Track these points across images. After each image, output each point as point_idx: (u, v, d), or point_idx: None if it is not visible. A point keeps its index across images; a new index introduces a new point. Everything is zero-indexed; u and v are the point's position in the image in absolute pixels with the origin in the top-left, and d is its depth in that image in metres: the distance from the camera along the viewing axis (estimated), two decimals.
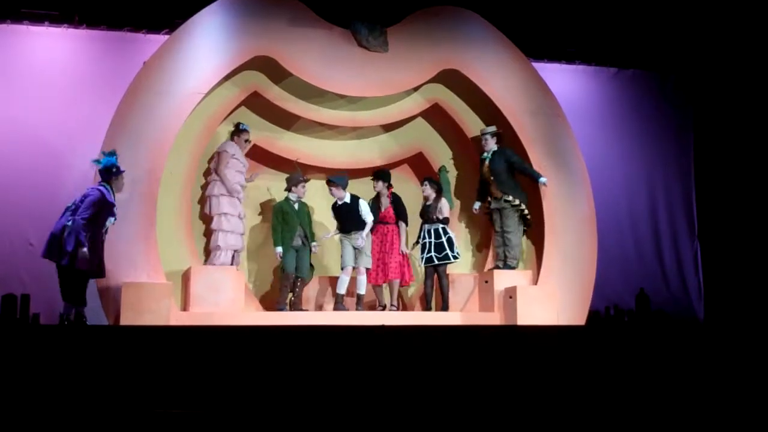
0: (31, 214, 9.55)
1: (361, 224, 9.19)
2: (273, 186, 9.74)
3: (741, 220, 11.95)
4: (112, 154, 7.97)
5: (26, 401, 5.28)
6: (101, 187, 7.81)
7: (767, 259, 11.52)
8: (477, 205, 9.79)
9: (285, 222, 9.04)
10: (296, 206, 9.17)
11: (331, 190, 9.27)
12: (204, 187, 9.17)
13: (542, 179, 9.46)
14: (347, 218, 9.22)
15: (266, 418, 5.26)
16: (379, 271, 9.38)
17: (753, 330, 8.66)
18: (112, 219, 7.91)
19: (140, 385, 5.53)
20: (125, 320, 7.92)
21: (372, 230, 9.37)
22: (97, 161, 7.96)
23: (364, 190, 9.74)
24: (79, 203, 7.73)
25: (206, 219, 9.15)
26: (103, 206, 7.73)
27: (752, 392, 6.13)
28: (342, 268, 9.23)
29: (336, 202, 9.30)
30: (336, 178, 9.27)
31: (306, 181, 9.31)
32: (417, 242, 9.62)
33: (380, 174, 9.60)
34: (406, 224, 9.64)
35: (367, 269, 9.26)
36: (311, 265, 9.26)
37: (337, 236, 9.33)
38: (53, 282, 7.88)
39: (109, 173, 7.91)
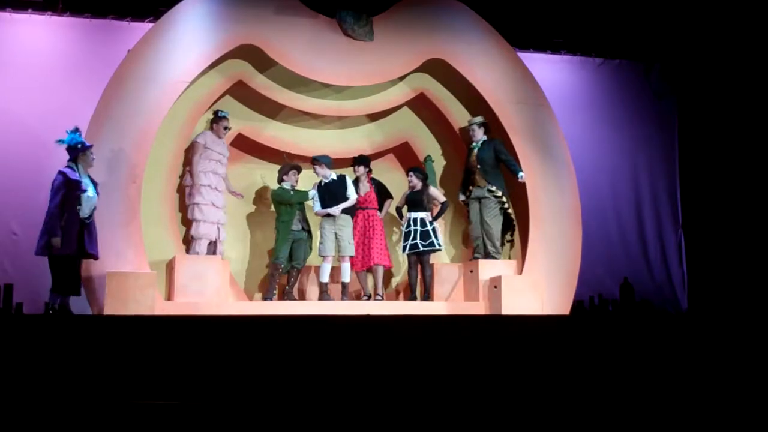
0: (15, 204, 9.50)
1: (345, 200, 9.25)
2: (266, 174, 9.71)
3: (725, 210, 11.99)
4: (76, 131, 7.92)
5: (9, 392, 5.26)
6: (65, 169, 7.77)
7: (751, 250, 11.58)
8: (462, 196, 9.79)
9: (287, 205, 9.09)
10: (291, 193, 9.18)
11: (315, 168, 9.31)
12: (182, 177, 9.13)
13: (521, 174, 9.44)
14: (334, 196, 9.22)
15: (252, 409, 5.26)
16: (362, 257, 9.38)
17: (736, 320, 8.71)
18: (93, 198, 7.86)
19: (124, 376, 5.52)
20: (109, 310, 7.90)
21: (353, 215, 9.41)
22: (61, 141, 7.90)
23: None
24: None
25: (185, 209, 9.14)
26: (68, 187, 7.68)
27: (735, 382, 6.17)
28: (322, 256, 9.23)
29: (321, 181, 9.30)
30: (321, 156, 9.32)
31: (298, 168, 9.33)
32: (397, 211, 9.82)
33: (359, 159, 9.61)
34: (392, 199, 9.83)
35: (351, 257, 9.26)
36: (310, 248, 9.32)
37: (323, 220, 9.29)
38: (37, 272, 7.87)
39: (75, 150, 7.86)
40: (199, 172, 8.85)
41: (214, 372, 5.69)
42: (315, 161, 9.29)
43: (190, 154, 8.99)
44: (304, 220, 9.26)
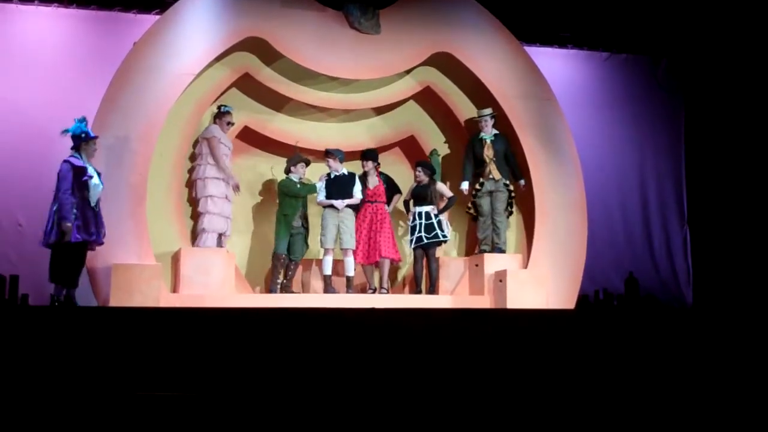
0: (20, 195, 9.54)
1: (349, 198, 9.27)
2: (276, 166, 9.71)
3: (731, 206, 11.97)
4: (82, 120, 7.93)
5: (15, 383, 5.28)
6: (69, 158, 7.78)
7: (756, 245, 11.55)
8: (465, 185, 9.72)
9: (291, 199, 9.10)
10: (299, 186, 9.19)
11: (328, 161, 9.34)
12: (191, 171, 9.13)
13: (522, 181, 9.66)
14: (339, 190, 9.25)
15: (256, 400, 5.27)
16: (369, 251, 9.38)
17: (741, 315, 8.70)
18: (99, 186, 7.86)
19: (129, 367, 5.53)
20: (115, 302, 7.92)
21: (359, 209, 9.41)
22: (66, 130, 7.91)
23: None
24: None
25: (194, 202, 9.13)
26: (74, 173, 7.69)
27: (739, 377, 6.16)
28: (324, 249, 9.25)
29: (331, 174, 9.32)
30: (335, 150, 9.38)
31: (307, 162, 9.34)
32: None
33: (368, 153, 9.61)
34: (401, 194, 9.84)
35: (352, 250, 9.25)
36: (307, 244, 9.31)
37: (325, 212, 9.30)
38: (43, 263, 7.86)
39: (78, 139, 7.87)
40: (215, 165, 8.85)
41: (219, 364, 5.70)
42: (329, 154, 9.33)
43: (203, 148, 8.94)
44: (304, 217, 9.27)
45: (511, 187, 9.58)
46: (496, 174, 9.57)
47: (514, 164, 9.71)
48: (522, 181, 9.66)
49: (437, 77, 10.03)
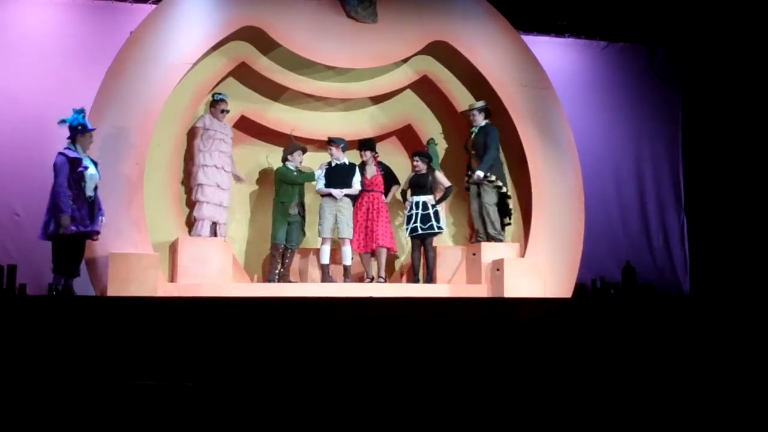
0: (17, 185, 9.55)
1: (348, 188, 9.30)
2: (271, 154, 9.71)
3: (728, 194, 11.98)
4: (80, 111, 7.92)
5: (12, 372, 5.28)
6: (64, 150, 7.76)
7: (753, 234, 11.57)
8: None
9: (288, 186, 9.13)
10: (295, 173, 9.20)
11: (330, 149, 9.36)
12: (188, 161, 9.14)
13: (478, 173, 9.36)
14: (338, 179, 9.27)
15: (253, 390, 5.28)
16: (366, 239, 9.39)
17: (737, 304, 8.71)
18: (95, 176, 7.86)
19: (127, 357, 5.54)
20: (112, 291, 7.92)
21: (356, 198, 9.43)
22: (63, 120, 7.90)
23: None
24: None
25: (189, 190, 9.16)
26: (70, 165, 7.67)
27: (735, 365, 6.18)
28: (321, 238, 9.27)
29: (331, 162, 9.34)
30: (337, 139, 9.40)
31: (303, 150, 9.34)
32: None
33: (365, 143, 9.62)
34: (399, 185, 9.85)
35: (350, 239, 9.27)
36: (303, 232, 9.32)
37: (323, 200, 9.32)
38: (40, 253, 7.88)
39: (75, 130, 7.85)
40: (203, 152, 8.87)
41: (216, 354, 5.70)
42: (332, 142, 9.35)
43: (191, 138, 9.02)
44: (301, 205, 9.28)
45: (492, 178, 9.41)
46: (474, 166, 9.56)
47: (485, 152, 9.40)
48: (477, 173, 9.33)
49: (434, 66, 10.01)
